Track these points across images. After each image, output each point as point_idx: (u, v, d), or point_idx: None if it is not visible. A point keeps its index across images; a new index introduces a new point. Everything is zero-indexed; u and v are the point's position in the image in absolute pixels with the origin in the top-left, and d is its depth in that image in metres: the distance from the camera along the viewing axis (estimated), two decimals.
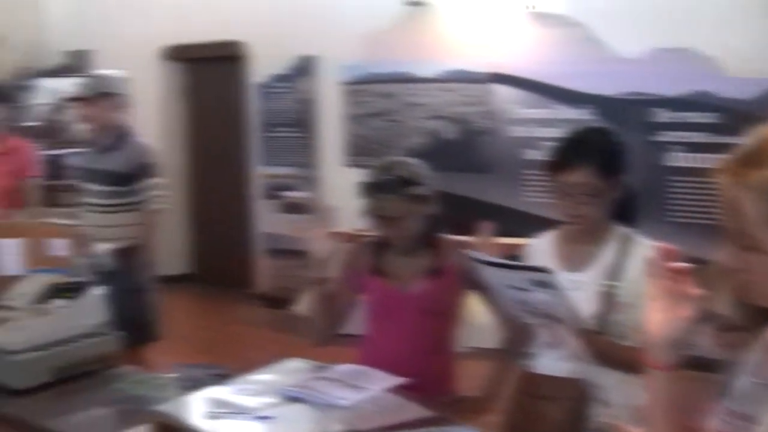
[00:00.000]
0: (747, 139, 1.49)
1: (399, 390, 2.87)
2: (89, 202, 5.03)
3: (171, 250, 8.57)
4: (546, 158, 2.92)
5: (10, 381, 3.20)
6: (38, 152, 6.20)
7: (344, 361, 3.12)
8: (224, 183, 9.38)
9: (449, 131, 7.46)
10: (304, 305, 6.63)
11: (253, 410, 2.71)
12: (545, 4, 6.80)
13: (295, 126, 8.48)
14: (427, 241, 3.28)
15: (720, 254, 1.52)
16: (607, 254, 2.84)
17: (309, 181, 8.39)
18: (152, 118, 8.51)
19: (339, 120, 8.15)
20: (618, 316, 2.74)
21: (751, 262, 1.47)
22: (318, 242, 3.27)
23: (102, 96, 4.97)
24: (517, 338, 3.07)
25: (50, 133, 8.73)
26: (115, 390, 3.20)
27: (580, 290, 2.75)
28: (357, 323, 3.44)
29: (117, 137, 5.02)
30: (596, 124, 5.95)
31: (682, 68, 6.18)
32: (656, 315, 1.66)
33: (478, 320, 3.46)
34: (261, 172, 8.82)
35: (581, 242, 2.90)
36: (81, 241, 4.83)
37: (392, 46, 7.61)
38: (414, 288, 3.25)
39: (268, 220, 8.77)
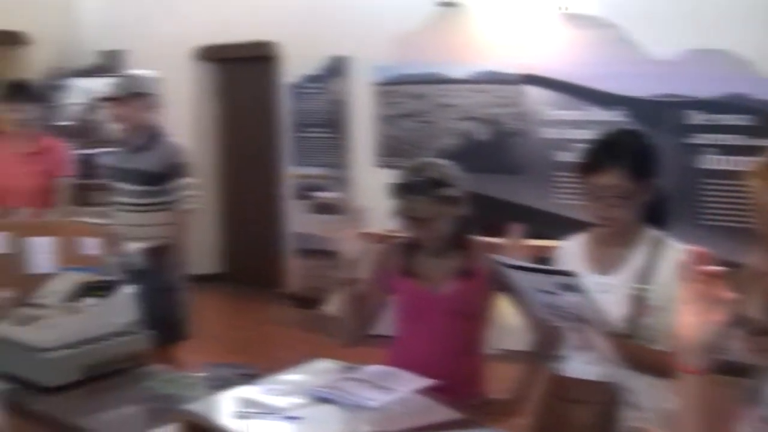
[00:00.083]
0: None
1: (428, 392, 2.86)
2: (121, 201, 5.06)
3: (202, 250, 8.61)
4: (577, 160, 2.90)
5: (41, 378, 3.22)
6: (71, 152, 6.21)
7: (374, 362, 3.11)
8: (256, 183, 9.41)
9: (481, 132, 7.45)
10: (334, 306, 6.64)
11: (282, 410, 2.71)
12: (578, 4, 6.77)
13: (327, 126, 8.50)
14: (458, 243, 3.27)
15: (753, 258, 1.51)
16: (637, 257, 2.82)
17: (340, 182, 8.40)
18: (184, 118, 8.55)
19: (370, 121, 8.16)
20: (648, 320, 2.72)
21: None
22: (348, 243, 3.27)
23: (134, 96, 5.00)
24: (547, 341, 3.06)
25: (83, 132, 8.78)
26: (144, 388, 3.22)
27: (611, 293, 2.73)
28: (387, 324, 3.44)
29: (149, 137, 5.04)
30: (628, 126, 5.93)
31: (716, 70, 6.14)
32: (688, 319, 1.65)
33: (507, 322, 3.45)
34: (292, 172, 8.84)
35: (612, 245, 2.88)
36: (112, 240, 4.84)
37: (424, 47, 7.61)
38: (444, 289, 3.24)
39: (299, 220, 8.78)
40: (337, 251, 3.32)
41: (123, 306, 3.50)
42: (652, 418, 2.63)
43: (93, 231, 4.09)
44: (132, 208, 5.00)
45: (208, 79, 9.67)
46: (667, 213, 2.93)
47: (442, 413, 2.73)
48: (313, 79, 8.51)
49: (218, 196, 9.70)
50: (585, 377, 2.88)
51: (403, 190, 3.19)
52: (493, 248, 3.24)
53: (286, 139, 8.88)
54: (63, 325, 3.33)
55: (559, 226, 5.63)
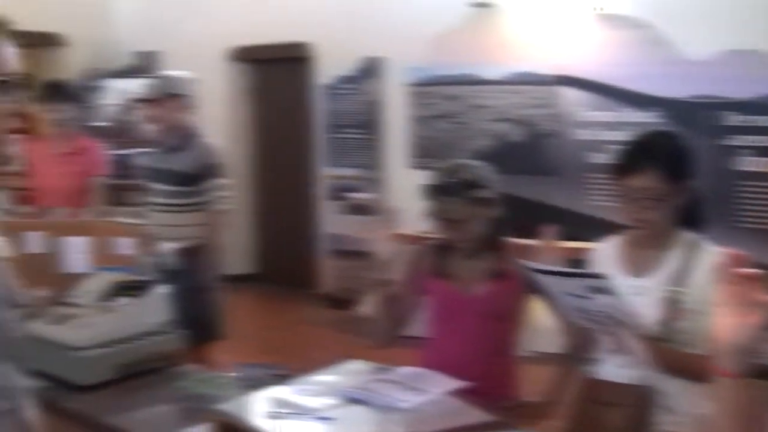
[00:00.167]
0: None
1: (460, 394, 2.86)
2: (155, 201, 5.08)
3: (237, 250, 8.63)
4: (611, 162, 2.89)
5: (75, 377, 3.24)
6: (106, 152, 6.26)
7: (406, 364, 3.11)
8: (290, 184, 9.43)
9: (515, 134, 7.43)
10: (367, 306, 6.63)
11: (314, 411, 2.71)
12: (613, 5, 6.74)
13: (361, 127, 8.50)
14: (491, 244, 3.27)
15: None
16: (672, 260, 2.80)
17: (374, 183, 8.40)
18: (219, 119, 8.57)
19: (404, 122, 8.15)
20: (683, 323, 2.70)
21: None
22: (382, 244, 3.28)
23: (169, 97, 5.02)
24: (580, 343, 3.04)
25: (118, 133, 8.84)
26: (177, 388, 3.23)
27: (645, 296, 2.72)
28: (419, 325, 3.43)
29: (183, 138, 5.06)
30: (663, 128, 5.88)
31: (752, 70, 6.09)
32: (724, 322, 1.63)
33: (540, 324, 3.43)
34: (326, 173, 8.86)
35: (646, 247, 2.86)
36: (147, 240, 4.86)
37: (458, 48, 7.59)
38: (477, 291, 3.24)
39: (332, 221, 8.80)
40: (371, 252, 3.32)
41: (157, 306, 3.53)
42: (686, 422, 2.62)
43: (127, 231, 4.12)
44: (166, 208, 5.02)
45: (243, 80, 9.71)
46: (702, 215, 2.91)
47: (474, 415, 2.72)
48: (348, 80, 8.52)
49: (252, 196, 9.73)
50: (618, 380, 2.87)
51: (437, 192, 3.19)
52: (527, 250, 3.22)
53: (321, 140, 8.90)
54: (97, 324, 3.35)
55: (593, 228, 5.61)
